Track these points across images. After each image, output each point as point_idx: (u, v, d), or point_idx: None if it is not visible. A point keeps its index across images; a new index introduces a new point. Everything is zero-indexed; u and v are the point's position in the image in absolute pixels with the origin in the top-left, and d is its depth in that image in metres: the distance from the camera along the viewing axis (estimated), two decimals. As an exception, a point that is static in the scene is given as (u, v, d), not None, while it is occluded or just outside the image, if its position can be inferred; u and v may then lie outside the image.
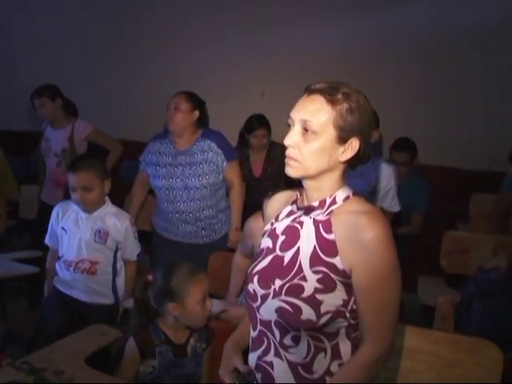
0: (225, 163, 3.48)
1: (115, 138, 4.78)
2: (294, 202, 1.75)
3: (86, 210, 2.93)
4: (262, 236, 1.80)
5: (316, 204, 1.66)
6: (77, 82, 5.55)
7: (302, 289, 1.61)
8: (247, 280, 1.76)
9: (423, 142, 4.39)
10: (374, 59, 4.70)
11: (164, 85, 5.20)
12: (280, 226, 1.74)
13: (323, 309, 1.59)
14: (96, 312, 2.92)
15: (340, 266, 1.60)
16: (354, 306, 1.63)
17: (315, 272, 1.61)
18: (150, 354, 2.27)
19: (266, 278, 1.68)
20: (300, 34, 4.95)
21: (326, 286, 1.60)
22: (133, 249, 3.06)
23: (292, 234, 1.69)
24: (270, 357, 1.67)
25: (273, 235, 1.75)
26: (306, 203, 1.69)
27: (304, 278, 1.62)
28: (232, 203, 3.61)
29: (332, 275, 1.60)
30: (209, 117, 3.65)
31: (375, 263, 1.58)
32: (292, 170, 1.62)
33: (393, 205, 3.51)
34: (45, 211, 4.03)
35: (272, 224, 1.78)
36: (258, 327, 1.71)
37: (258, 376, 1.71)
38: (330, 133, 1.58)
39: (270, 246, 1.73)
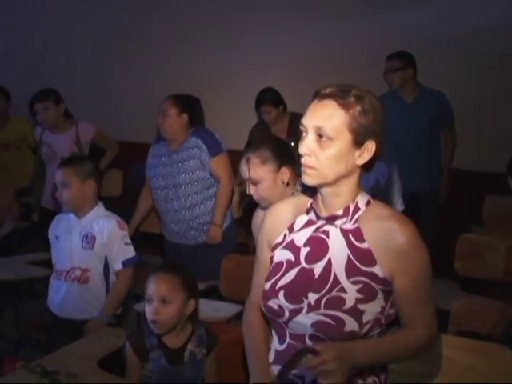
0: (208, 158, 3.51)
1: (127, 140, 4.82)
2: (310, 211, 1.71)
3: (69, 210, 2.85)
4: (273, 248, 1.75)
5: (340, 212, 1.64)
6: (84, 82, 5.58)
7: (342, 301, 1.59)
8: (265, 295, 1.70)
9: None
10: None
11: (177, 86, 5.20)
12: (299, 237, 1.69)
13: (365, 318, 1.58)
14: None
15: (380, 274, 1.59)
16: (390, 311, 1.63)
17: (354, 282, 1.60)
18: (144, 359, 2.20)
19: (295, 293, 1.65)
20: (313, 34, 4.93)
21: (367, 295, 1.59)
22: (118, 254, 2.81)
23: (318, 245, 1.66)
24: (302, 370, 1.62)
25: (292, 247, 1.70)
26: (325, 211, 1.66)
27: (343, 290, 1.60)
28: (216, 198, 3.59)
29: (373, 284, 1.60)
30: (203, 114, 3.68)
31: (414, 265, 1.59)
32: (309, 179, 1.59)
33: (395, 203, 3.51)
34: (48, 217, 4.04)
35: (285, 235, 1.73)
36: (287, 341, 1.68)
37: None
38: (346, 137, 1.56)
39: (292, 258, 1.69)
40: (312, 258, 1.66)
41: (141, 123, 5.50)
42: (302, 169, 1.60)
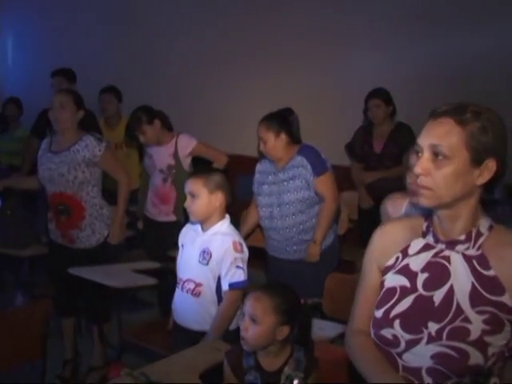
0: (313, 178, 3.44)
1: (233, 152, 4.82)
2: (427, 234, 1.60)
3: (197, 221, 2.84)
4: (383, 272, 1.65)
5: (462, 238, 1.53)
6: (194, 93, 5.66)
7: (467, 332, 1.48)
8: (376, 323, 1.61)
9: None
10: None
11: (283, 99, 5.21)
12: (416, 262, 1.59)
13: (490, 351, 1.47)
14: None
15: (509, 303, 1.48)
16: None
17: (480, 312, 1.48)
18: (241, 379, 2.13)
19: (413, 322, 1.54)
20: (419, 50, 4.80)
21: (494, 326, 1.48)
22: (227, 275, 2.71)
23: (438, 271, 1.55)
24: None
25: (407, 272, 1.60)
26: (443, 235, 1.56)
27: (467, 320, 1.49)
28: (319, 216, 3.52)
29: (500, 315, 1.48)
30: (299, 123, 3.61)
31: None
32: (425, 200, 1.50)
33: None
34: (150, 227, 4.10)
35: (398, 259, 1.63)
36: (400, 374, 1.57)
37: None
38: (463, 156, 1.46)
39: (407, 284, 1.58)
40: (431, 284, 1.55)
41: (246, 136, 5.54)
42: (417, 190, 1.51)
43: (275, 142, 3.47)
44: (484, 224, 1.53)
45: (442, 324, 1.50)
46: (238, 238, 2.81)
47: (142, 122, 3.91)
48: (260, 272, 4.03)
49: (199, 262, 2.75)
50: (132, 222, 4.31)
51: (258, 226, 3.82)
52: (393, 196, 2.70)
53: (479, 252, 1.52)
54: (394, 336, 1.55)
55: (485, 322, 1.47)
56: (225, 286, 2.73)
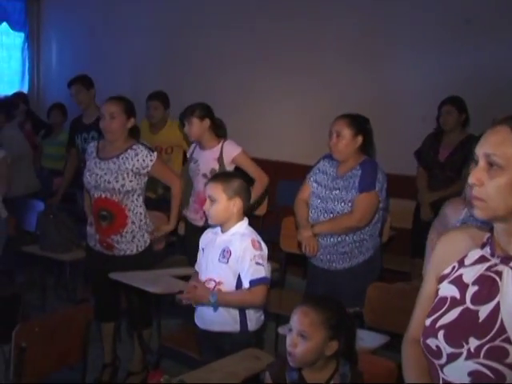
0: (355, 192, 3.36)
1: (270, 159, 4.80)
2: (485, 246, 1.54)
3: (215, 224, 2.84)
4: (440, 280, 1.60)
5: None
6: (233, 102, 5.65)
7: (505, 353, 1.40)
8: (424, 332, 1.56)
9: None
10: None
11: (322, 106, 5.17)
12: (469, 274, 1.53)
13: None
14: (227, 342, 2.78)
15: None
16: None
17: None
18: None
19: (455, 335, 1.49)
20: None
21: None
22: (247, 272, 2.71)
23: (488, 286, 1.48)
24: None
25: (459, 283, 1.54)
26: (499, 249, 1.49)
27: (508, 341, 1.41)
28: (335, 218, 3.41)
29: None
30: (373, 137, 3.53)
31: None
32: (479, 212, 1.43)
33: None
34: (191, 232, 4.09)
35: (454, 268, 1.57)
36: None
37: None
38: None
39: (457, 296, 1.53)
40: (479, 298, 1.49)
41: (285, 142, 5.52)
42: (472, 201, 1.45)
43: (350, 142, 3.38)
44: None
45: (482, 341, 1.44)
46: (255, 236, 2.81)
47: (194, 113, 3.95)
48: (299, 279, 4.01)
49: (219, 260, 2.78)
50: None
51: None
52: (454, 200, 2.71)
53: None
54: (438, 347, 1.51)
55: None
56: (245, 283, 2.73)
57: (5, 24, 7.40)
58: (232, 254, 2.75)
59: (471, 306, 1.49)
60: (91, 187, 3.49)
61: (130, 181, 3.41)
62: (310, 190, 3.56)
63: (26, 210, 4.77)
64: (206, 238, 2.96)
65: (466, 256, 1.56)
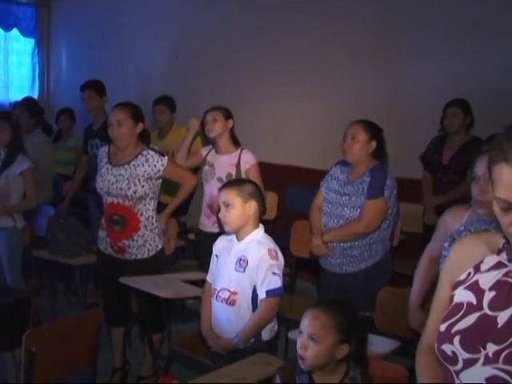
0: (364, 198, 3.37)
1: (280, 163, 4.77)
2: (502, 252, 1.52)
3: (231, 232, 2.83)
4: (454, 286, 1.58)
5: None
6: (249, 107, 5.64)
7: None
8: (439, 337, 1.54)
9: None
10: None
11: (334, 111, 5.16)
12: (485, 279, 1.52)
13: None
14: (239, 350, 2.75)
15: None
16: None
17: None
18: None
19: (472, 341, 1.47)
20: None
21: None
22: (263, 282, 2.68)
23: (506, 291, 1.47)
24: None
25: (475, 289, 1.53)
26: None
27: None
28: (344, 226, 3.43)
29: None
30: (386, 147, 3.53)
31: None
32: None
33: None
34: (202, 238, 4.08)
35: (470, 274, 1.56)
36: None
37: None
38: None
39: (474, 301, 1.51)
40: (497, 304, 1.47)
41: (294, 147, 5.50)
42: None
43: (365, 145, 3.41)
44: None
45: (501, 346, 1.42)
46: (273, 245, 2.79)
47: (219, 111, 3.98)
48: (308, 284, 3.99)
49: (236, 269, 2.76)
50: (182, 232, 4.32)
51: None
52: (454, 207, 2.68)
53: None
54: (453, 353, 1.49)
55: None
56: (261, 294, 2.71)
57: (15, 30, 7.46)
58: (249, 263, 2.73)
59: (489, 312, 1.47)
60: (104, 193, 3.49)
61: (142, 186, 3.41)
62: (323, 195, 3.59)
63: (36, 215, 4.78)
64: (220, 245, 2.94)
65: (481, 262, 1.54)
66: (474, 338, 1.47)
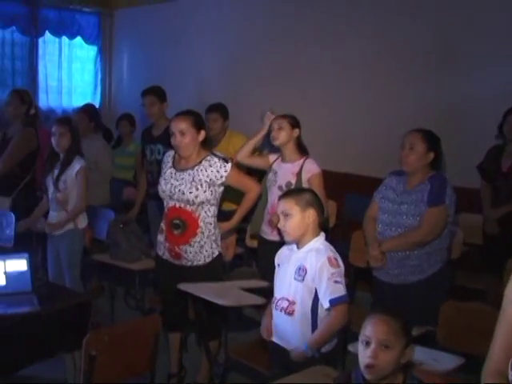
0: (424, 206, 3.30)
1: (338, 171, 4.70)
2: None
3: (291, 241, 2.80)
4: None
5: None
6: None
7: None
8: None
9: None
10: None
11: (390, 119, 5.08)
12: None
13: None
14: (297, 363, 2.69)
15: None
16: None
17: None
18: None
19: None
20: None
21: None
22: (326, 292, 2.63)
23: None
24: None
25: None
26: None
27: None
28: (403, 234, 3.36)
29: None
30: (443, 157, 3.45)
31: None
32: None
33: None
34: (263, 246, 4.06)
35: None
36: None
37: None
38: None
39: None
40: None
41: (350, 153, 5.44)
42: None
43: (422, 156, 3.35)
44: None
45: None
46: (332, 253, 2.73)
47: (286, 119, 3.96)
48: (367, 294, 3.91)
49: (294, 278, 2.73)
50: (240, 239, 4.31)
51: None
52: None
53: None
54: None
55: None
56: (325, 304, 2.65)
57: (79, 38, 7.62)
58: (308, 272, 2.69)
59: None
60: (165, 196, 3.51)
61: (204, 191, 3.41)
62: (377, 206, 3.54)
63: (97, 218, 4.85)
64: (281, 255, 2.91)
65: None
66: None
